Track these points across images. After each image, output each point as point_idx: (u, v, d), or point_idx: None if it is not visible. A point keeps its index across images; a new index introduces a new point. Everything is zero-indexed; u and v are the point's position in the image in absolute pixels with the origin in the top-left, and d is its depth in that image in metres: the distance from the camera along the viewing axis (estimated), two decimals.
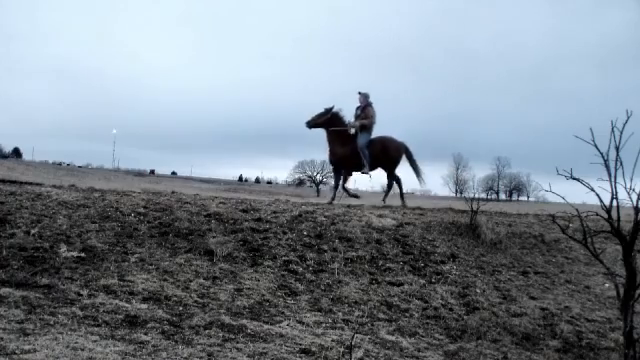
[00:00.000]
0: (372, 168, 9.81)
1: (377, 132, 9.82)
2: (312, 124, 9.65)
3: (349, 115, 9.77)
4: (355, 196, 9.89)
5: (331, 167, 9.80)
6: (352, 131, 9.49)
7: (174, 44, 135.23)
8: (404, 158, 9.93)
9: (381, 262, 5.99)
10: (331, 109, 9.63)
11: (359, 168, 9.64)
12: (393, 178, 9.85)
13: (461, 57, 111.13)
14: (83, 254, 4.95)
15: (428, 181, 9.98)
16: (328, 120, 9.58)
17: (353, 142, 9.45)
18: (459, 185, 69.90)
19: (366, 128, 9.52)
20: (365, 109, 9.61)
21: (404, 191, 10.07)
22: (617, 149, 3.37)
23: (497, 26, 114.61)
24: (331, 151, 9.67)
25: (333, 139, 9.61)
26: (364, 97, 9.71)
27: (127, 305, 3.85)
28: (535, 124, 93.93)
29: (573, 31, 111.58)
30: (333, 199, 9.65)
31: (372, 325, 4.39)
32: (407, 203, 9.68)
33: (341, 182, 9.90)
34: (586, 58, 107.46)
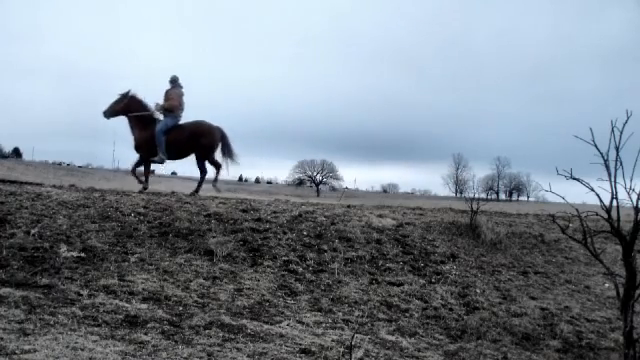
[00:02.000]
0: (180, 156, 9.28)
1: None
2: (110, 113, 9.14)
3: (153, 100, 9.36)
4: (143, 186, 9.08)
5: (137, 154, 9.29)
6: (160, 115, 9.11)
7: (174, 44, 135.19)
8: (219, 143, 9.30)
9: (381, 262, 5.99)
10: (127, 93, 9.17)
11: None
12: (212, 164, 9.34)
13: (463, 57, 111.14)
14: (83, 254, 4.95)
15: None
16: (126, 106, 9.09)
17: (154, 127, 9.00)
18: (459, 185, 69.98)
19: (169, 111, 9.03)
20: (168, 92, 9.22)
21: (203, 182, 9.54)
22: (617, 149, 3.38)
23: (499, 26, 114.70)
24: (133, 137, 9.19)
25: (134, 125, 9.15)
26: (172, 80, 9.30)
27: (127, 305, 3.84)
28: (536, 124, 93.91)
29: (576, 31, 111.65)
30: (142, 182, 9.16)
31: (372, 325, 4.39)
32: (200, 191, 9.22)
33: (138, 167, 9.37)
34: (589, 58, 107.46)
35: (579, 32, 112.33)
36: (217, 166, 9.40)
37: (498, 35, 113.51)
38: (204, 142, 9.11)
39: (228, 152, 9.48)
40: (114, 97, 9.19)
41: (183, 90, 9.32)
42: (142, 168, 9.42)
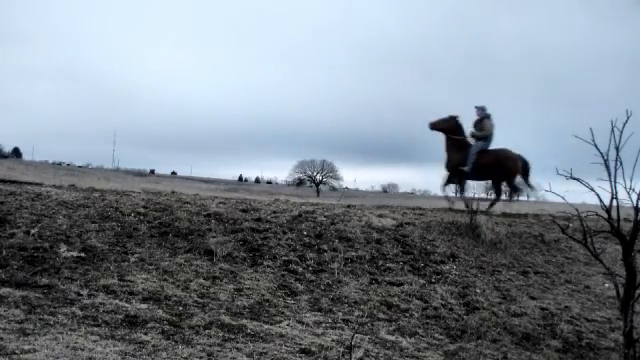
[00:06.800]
0: (482, 178, 10.11)
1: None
2: (435, 126, 9.86)
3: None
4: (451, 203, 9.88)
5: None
6: (472, 141, 9.82)
7: (176, 45, 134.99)
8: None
9: (381, 262, 5.98)
10: (455, 117, 9.87)
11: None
12: (511, 188, 10.04)
13: (477, 60, 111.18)
14: (83, 254, 4.95)
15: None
16: (450, 127, 9.80)
17: (467, 151, 9.72)
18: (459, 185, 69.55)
19: (482, 139, 9.76)
20: (482, 122, 9.84)
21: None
22: (617, 149, 3.37)
23: (516, 30, 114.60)
24: (447, 156, 9.92)
25: (451, 146, 9.86)
26: (481, 109, 9.93)
27: (127, 305, 3.84)
28: (539, 125, 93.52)
29: (594, 35, 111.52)
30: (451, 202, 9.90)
31: (372, 325, 4.39)
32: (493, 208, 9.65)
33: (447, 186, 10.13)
34: (604, 62, 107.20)
35: (595, 38, 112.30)
36: (514, 190, 10.06)
37: (517, 38, 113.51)
38: (507, 168, 9.76)
39: (527, 181, 10.14)
40: (444, 115, 9.88)
41: (493, 121, 9.93)
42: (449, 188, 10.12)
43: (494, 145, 9.87)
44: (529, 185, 10.26)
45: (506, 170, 9.70)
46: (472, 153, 9.58)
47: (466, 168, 9.63)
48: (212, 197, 8.57)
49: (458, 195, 10.12)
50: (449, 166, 9.85)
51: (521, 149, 9.90)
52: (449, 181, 9.97)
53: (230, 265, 5.29)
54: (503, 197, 10.23)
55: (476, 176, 9.90)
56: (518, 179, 9.92)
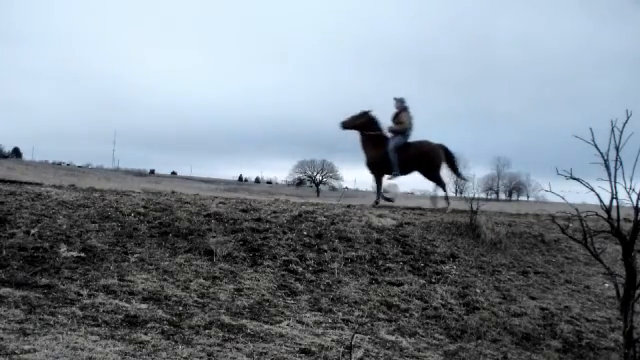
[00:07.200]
0: (408, 172, 9.62)
1: None
2: (347, 125, 9.50)
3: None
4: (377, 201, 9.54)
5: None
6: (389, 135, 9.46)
7: (176, 46, 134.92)
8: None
9: (381, 262, 5.99)
10: (367, 112, 9.48)
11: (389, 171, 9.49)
12: (436, 181, 9.65)
13: (477, 61, 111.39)
14: (83, 254, 4.95)
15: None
16: (363, 124, 9.43)
17: (385, 146, 9.31)
18: (459, 185, 69.75)
19: (400, 133, 9.39)
20: (398, 115, 9.50)
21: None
22: (617, 149, 3.38)
23: (518, 31, 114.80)
24: (365, 155, 9.57)
25: (366, 143, 9.51)
26: (400, 102, 9.58)
27: (127, 305, 3.84)
28: (540, 125, 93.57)
29: (595, 35, 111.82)
30: (390, 200, 9.80)
31: (372, 325, 4.39)
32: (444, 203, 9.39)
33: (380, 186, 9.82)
34: (606, 61, 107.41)
35: (596, 38, 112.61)
36: (441, 184, 9.61)
37: (517, 39, 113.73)
38: (431, 160, 9.42)
39: (453, 169, 9.79)
40: (356, 111, 9.53)
41: (411, 111, 9.60)
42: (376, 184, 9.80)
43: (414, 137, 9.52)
44: (458, 174, 9.96)
45: (430, 162, 9.35)
46: (391, 151, 9.19)
47: (393, 174, 9.36)
48: (212, 197, 8.57)
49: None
50: (369, 164, 9.49)
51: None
52: (378, 178, 9.57)
53: (230, 265, 5.29)
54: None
55: (401, 172, 9.49)
56: (443, 171, 9.57)
